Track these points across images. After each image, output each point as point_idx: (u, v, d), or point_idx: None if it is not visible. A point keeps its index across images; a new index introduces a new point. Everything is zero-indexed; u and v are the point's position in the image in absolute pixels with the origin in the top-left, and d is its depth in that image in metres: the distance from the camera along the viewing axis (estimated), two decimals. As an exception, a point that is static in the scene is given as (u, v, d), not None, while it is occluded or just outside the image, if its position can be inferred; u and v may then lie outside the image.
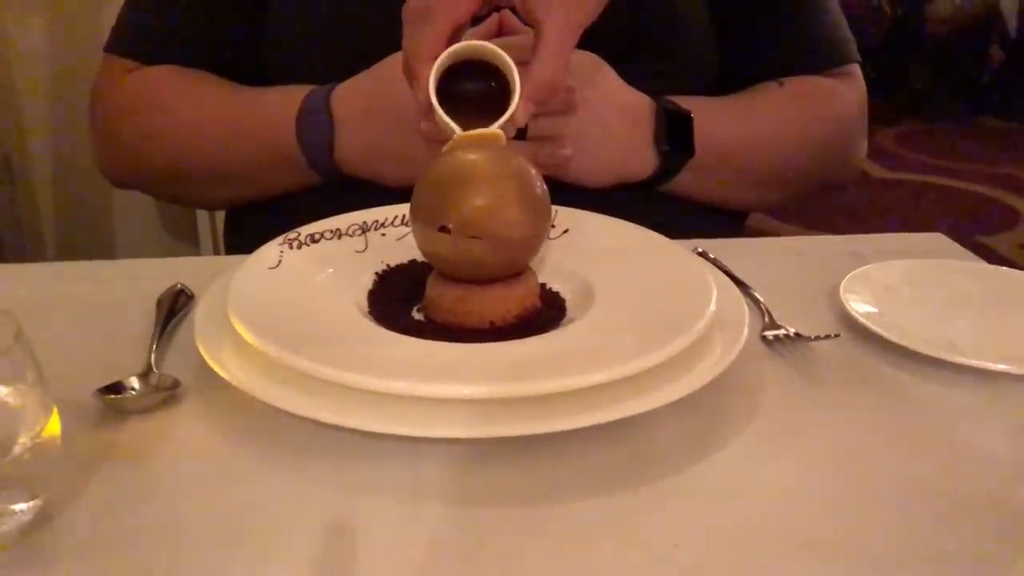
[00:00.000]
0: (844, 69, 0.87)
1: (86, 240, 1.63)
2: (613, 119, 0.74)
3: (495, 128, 0.55)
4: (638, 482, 0.45)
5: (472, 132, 0.54)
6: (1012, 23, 4.13)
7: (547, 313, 0.55)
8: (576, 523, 0.42)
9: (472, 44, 0.55)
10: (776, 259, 0.74)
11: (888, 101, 3.96)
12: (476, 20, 0.62)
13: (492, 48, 0.55)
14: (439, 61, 0.54)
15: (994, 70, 4.39)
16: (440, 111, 0.55)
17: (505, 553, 0.40)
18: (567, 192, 0.66)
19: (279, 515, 0.42)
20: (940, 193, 3.43)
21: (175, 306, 0.60)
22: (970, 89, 4.40)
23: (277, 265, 0.57)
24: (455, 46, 0.55)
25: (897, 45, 4.25)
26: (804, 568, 0.40)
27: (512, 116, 0.55)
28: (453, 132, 0.55)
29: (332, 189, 0.78)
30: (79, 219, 1.62)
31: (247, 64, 0.83)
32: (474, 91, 0.57)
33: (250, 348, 0.48)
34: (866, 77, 0.89)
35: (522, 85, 0.55)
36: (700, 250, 0.67)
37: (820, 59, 0.86)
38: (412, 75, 0.56)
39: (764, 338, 0.58)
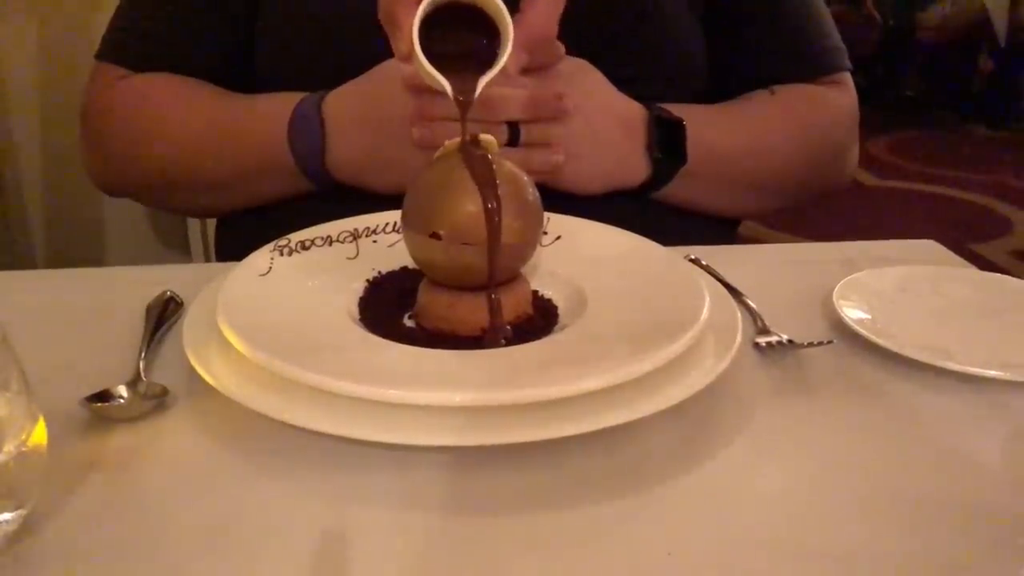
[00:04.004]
0: (835, 77, 0.88)
1: (75, 247, 1.62)
2: (605, 126, 0.74)
3: (486, 79, 0.51)
4: (631, 489, 0.45)
5: (462, 138, 0.53)
6: (1002, 32, 4.16)
7: (539, 320, 0.55)
8: (568, 531, 0.42)
9: None
10: (769, 266, 0.74)
11: (879, 110, 3.98)
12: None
13: None
14: (423, 6, 0.49)
15: (984, 79, 4.42)
16: (424, 61, 0.50)
17: (496, 561, 0.40)
18: (559, 199, 0.66)
19: (268, 524, 0.42)
20: (931, 201, 3.45)
21: (164, 314, 0.59)
22: (961, 97, 4.42)
23: (267, 272, 0.57)
24: None
25: (888, 54, 4.28)
26: (797, 575, 0.40)
27: (504, 65, 0.51)
28: (439, 84, 0.51)
29: (323, 196, 0.77)
30: (68, 226, 1.61)
31: (238, 71, 0.83)
32: (458, 47, 0.52)
33: (240, 356, 0.47)
34: (857, 86, 0.89)
35: (515, 32, 0.50)
36: (692, 257, 0.66)
37: (811, 67, 0.87)
38: (392, 23, 0.51)
39: (757, 345, 0.58)
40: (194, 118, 0.80)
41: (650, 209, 0.79)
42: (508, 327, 0.53)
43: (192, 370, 0.48)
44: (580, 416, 0.44)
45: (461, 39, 0.52)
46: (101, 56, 0.85)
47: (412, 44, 0.49)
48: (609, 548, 0.41)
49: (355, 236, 0.63)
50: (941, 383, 0.54)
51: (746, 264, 0.69)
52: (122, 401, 0.50)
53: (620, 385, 0.45)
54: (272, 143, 0.75)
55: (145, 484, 0.45)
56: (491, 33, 0.51)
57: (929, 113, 4.37)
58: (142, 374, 0.52)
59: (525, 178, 0.54)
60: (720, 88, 0.86)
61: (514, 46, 0.50)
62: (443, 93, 0.52)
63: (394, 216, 0.62)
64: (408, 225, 0.53)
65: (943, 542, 0.42)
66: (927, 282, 0.66)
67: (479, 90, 0.51)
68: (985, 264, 0.71)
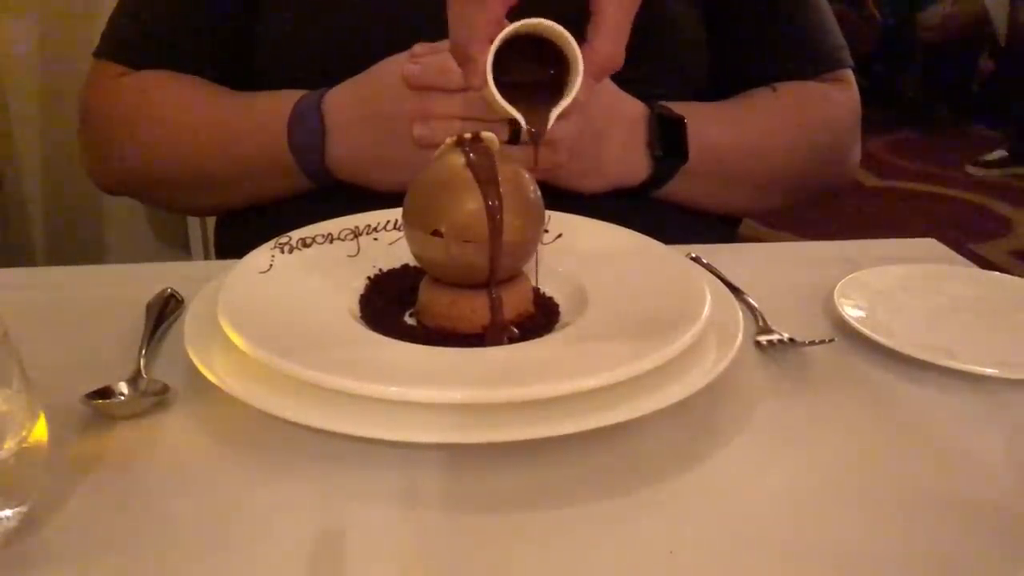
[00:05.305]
0: (837, 75, 0.87)
1: (76, 245, 1.62)
2: (607, 124, 0.74)
3: (559, 110, 0.52)
4: (633, 487, 0.45)
5: (464, 136, 0.54)
6: (1002, 32, 4.15)
7: (540, 318, 0.55)
8: (570, 529, 0.42)
9: (529, 22, 0.51)
10: (770, 264, 0.74)
11: (879, 109, 3.98)
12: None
13: (552, 25, 0.51)
14: (497, 42, 0.50)
15: (984, 79, 4.41)
16: (498, 96, 0.51)
17: (498, 559, 0.40)
18: (560, 197, 0.65)
19: (268, 521, 0.42)
20: (931, 201, 3.45)
21: (165, 311, 0.59)
22: (961, 97, 4.42)
23: (268, 269, 0.57)
24: (512, 26, 0.51)
25: (888, 54, 4.27)
26: (799, 574, 0.40)
27: (576, 96, 0.51)
28: (512, 117, 0.52)
29: (324, 194, 0.77)
30: (68, 224, 1.61)
31: (238, 69, 0.83)
32: (527, 77, 0.53)
33: (240, 353, 0.47)
34: (857, 85, 0.89)
35: (584, 62, 0.51)
36: (694, 255, 0.66)
37: (813, 65, 0.87)
38: (465, 59, 0.52)
39: (758, 343, 0.58)
40: (193, 116, 0.80)
41: (651, 207, 0.79)
42: (513, 328, 0.53)
43: (193, 367, 0.48)
44: (581, 414, 0.44)
45: (529, 69, 0.53)
46: (100, 54, 0.85)
47: (486, 78, 0.50)
48: (610, 546, 0.41)
49: (356, 234, 0.63)
50: (941, 381, 0.54)
51: (747, 262, 0.69)
52: (123, 398, 0.50)
53: (621, 383, 0.45)
54: (271, 141, 0.75)
55: (146, 481, 0.45)
56: (558, 61, 0.52)
57: (929, 113, 4.37)
58: (143, 371, 0.52)
59: (526, 176, 0.54)
60: (722, 86, 0.85)
61: (584, 75, 0.51)
62: (447, 91, 0.52)
63: (395, 214, 0.62)
64: (409, 223, 0.53)
65: (943, 540, 0.42)
66: (928, 281, 0.66)
67: (551, 122, 0.52)
68: (985, 264, 0.71)
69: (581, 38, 0.52)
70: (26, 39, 1.50)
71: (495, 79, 0.51)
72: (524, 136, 0.53)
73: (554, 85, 0.53)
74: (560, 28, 0.51)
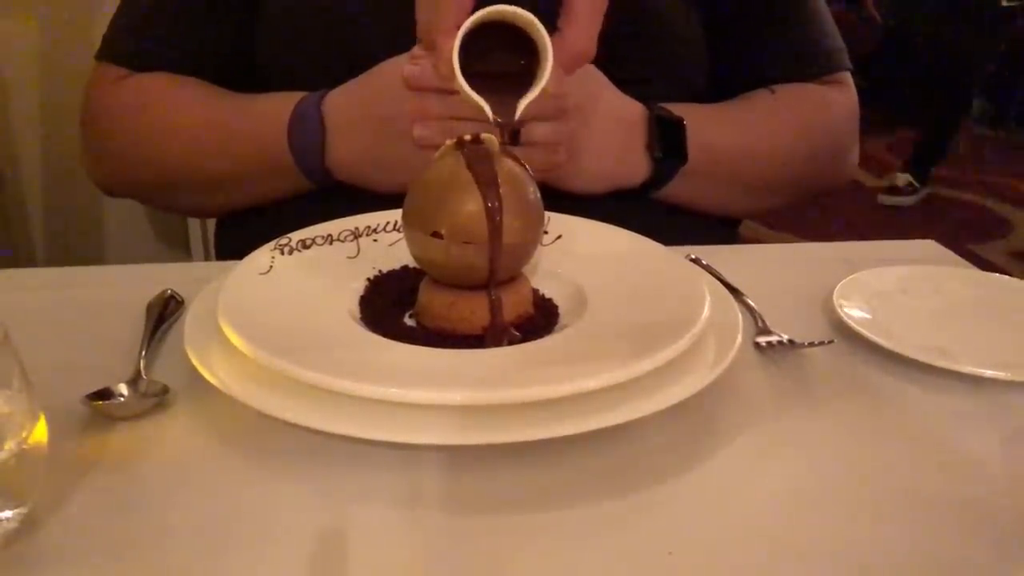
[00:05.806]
0: (836, 77, 0.88)
1: (76, 246, 1.62)
2: (606, 125, 0.74)
3: (527, 101, 0.51)
4: (632, 489, 0.45)
5: (464, 137, 0.54)
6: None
7: (540, 319, 0.55)
8: (569, 530, 0.42)
9: (496, 8, 0.49)
10: (769, 266, 0.74)
11: (879, 110, 3.98)
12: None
13: (519, 12, 0.50)
14: (463, 30, 0.49)
15: (985, 79, 4.41)
16: (465, 85, 0.50)
17: (497, 560, 0.40)
18: (560, 198, 0.66)
19: (269, 522, 0.42)
20: (931, 201, 3.45)
21: (165, 312, 0.59)
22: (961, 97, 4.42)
23: (268, 271, 0.57)
24: (478, 13, 0.49)
25: (888, 55, 4.28)
26: (799, 574, 0.40)
27: (544, 87, 0.51)
28: (479, 107, 0.51)
29: (324, 195, 0.77)
30: (69, 225, 1.61)
31: (239, 70, 0.83)
32: (497, 68, 0.52)
33: (240, 354, 0.47)
34: (857, 86, 0.89)
35: (554, 53, 0.50)
36: (693, 257, 0.66)
37: (812, 66, 0.87)
38: (432, 47, 0.51)
39: (757, 344, 0.58)
40: (193, 118, 0.80)
41: (651, 209, 0.79)
42: (515, 331, 0.53)
43: (192, 368, 0.48)
44: (581, 415, 0.44)
45: (499, 59, 0.52)
46: (101, 56, 0.85)
47: (452, 67, 0.49)
48: (609, 547, 0.41)
49: (356, 235, 0.63)
50: (941, 383, 0.54)
51: (747, 264, 0.69)
52: (123, 399, 0.50)
53: (621, 384, 0.45)
54: (272, 143, 0.75)
55: (145, 482, 0.45)
56: (530, 51, 0.51)
57: (929, 114, 4.37)
58: (142, 372, 0.52)
59: (526, 177, 0.54)
60: (721, 88, 0.85)
61: (553, 66, 0.50)
62: (450, 93, 0.51)
63: (395, 215, 0.62)
64: (409, 224, 0.54)
65: (943, 541, 0.42)
66: (927, 282, 0.66)
67: (519, 113, 0.52)
68: (984, 264, 0.71)
69: (554, 29, 0.51)
70: (27, 40, 1.50)
71: (468, 69, 0.50)
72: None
73: (527, 75, 0.52)
74: (529, 15, 0.50)
